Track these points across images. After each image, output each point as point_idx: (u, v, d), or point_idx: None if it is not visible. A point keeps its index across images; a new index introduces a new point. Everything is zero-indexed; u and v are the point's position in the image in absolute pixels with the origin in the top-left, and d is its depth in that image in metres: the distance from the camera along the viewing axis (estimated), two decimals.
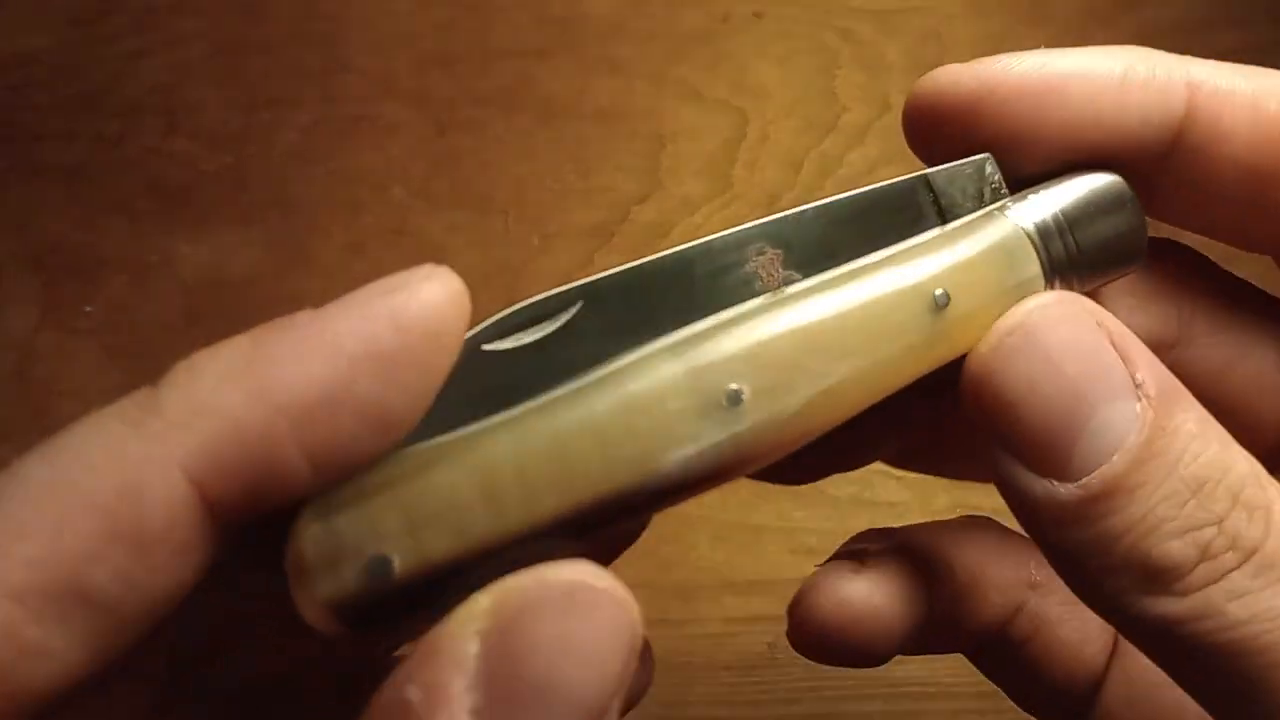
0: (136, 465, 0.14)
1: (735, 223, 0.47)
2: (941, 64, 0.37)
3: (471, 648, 0.14)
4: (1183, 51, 0.20)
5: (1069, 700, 0.24)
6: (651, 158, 0.45)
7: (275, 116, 0.46)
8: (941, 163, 0.20)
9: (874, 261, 0.18)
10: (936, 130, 0.20)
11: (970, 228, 0.19)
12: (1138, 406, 0.17)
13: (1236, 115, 0.19)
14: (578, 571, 0.14)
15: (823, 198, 0.19)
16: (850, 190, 0.19)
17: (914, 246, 0.19)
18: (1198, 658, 0.16)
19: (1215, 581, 0.16)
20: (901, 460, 0.25)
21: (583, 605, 0.14)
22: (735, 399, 0.16)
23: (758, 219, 0.19)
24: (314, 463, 0.15)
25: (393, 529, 0.15)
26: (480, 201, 0.44)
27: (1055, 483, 0.17)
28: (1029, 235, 0.19)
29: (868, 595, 0.22)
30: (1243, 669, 0.16)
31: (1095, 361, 0.17)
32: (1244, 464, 0.17)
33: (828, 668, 0.24)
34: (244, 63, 0.47)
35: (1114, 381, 0.17)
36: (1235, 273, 0.23)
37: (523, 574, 0.14)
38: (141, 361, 0.42)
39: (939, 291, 0.18)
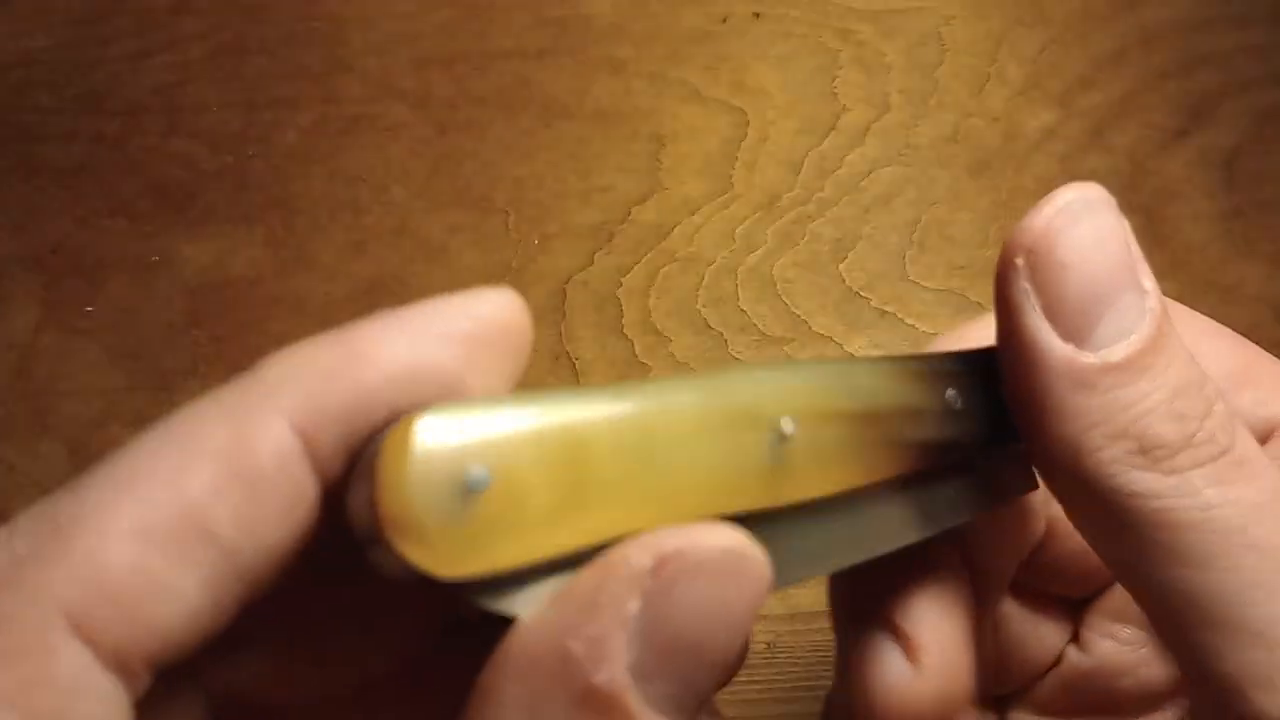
0: (245, 415, 0.15)
1: (735, 223, 0.47)
2: (941, 64, 0.37)
3: (634, 605, 0.15)
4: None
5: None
6: (651, 158, 0.45)
7: (275, 116, 0.46)
8: None
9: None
10: None
11: (971, 352, 0.22)
12: (1150, 302, 0.19)
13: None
14: (731, 538, 0.15)
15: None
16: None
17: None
18: (1166, 533, 0.18)
19: (1198, 466, 0.19)
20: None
21: (735, 571, 0.15)
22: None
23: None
24: None
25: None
26: (480, 201, 0.44)
27: (1076, 348, 0.19)
28: None
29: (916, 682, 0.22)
30: (1207, 545, 0.18)
31: (1126, 249, 0.19)
32: (1213, 384, 0.20)
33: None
34: (244, 63, 0.47)
35: (1136, 272, 0.19)
36: None
37: (676, 534, 0.15)
38: (142, 361, 0.42)
39: (951, 391, 0.20)
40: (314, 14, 0.48)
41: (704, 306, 0.43)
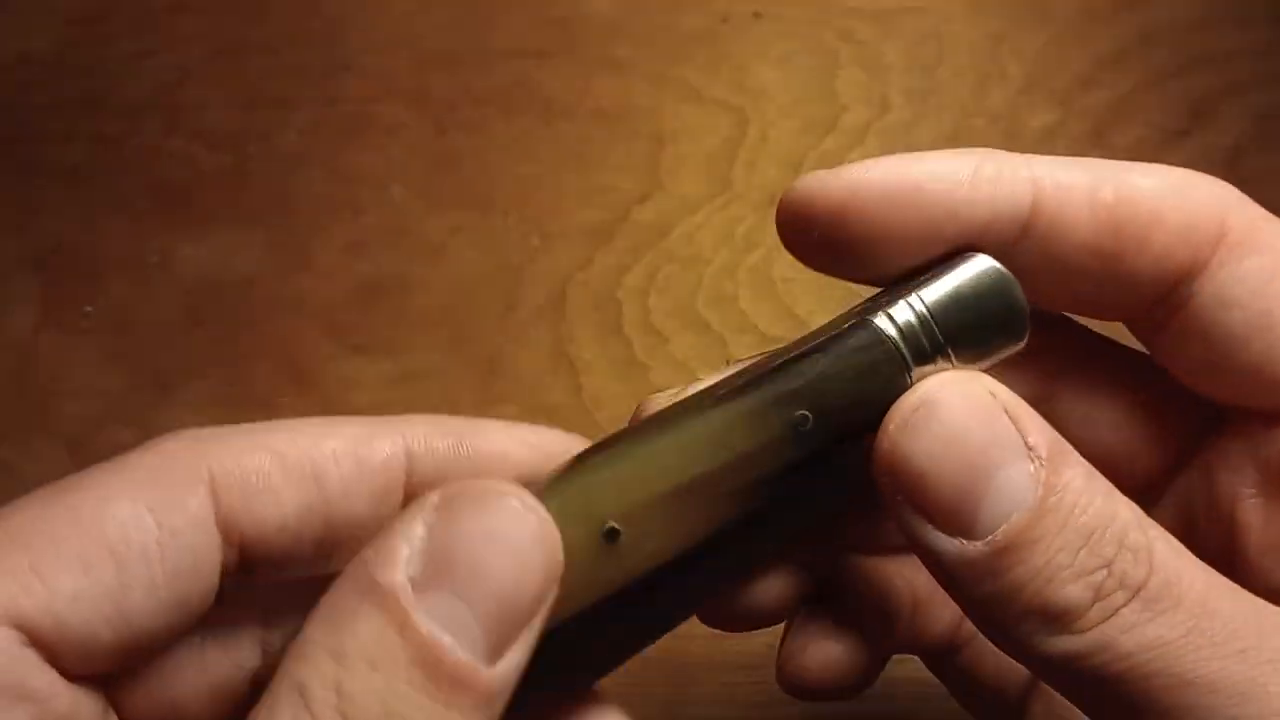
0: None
1: (735, 223, 0.46)
2: (941, 64, 0.37)
3: (419, 529, 0.18)
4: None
5: (1003, 706, 0.26)
6: (651, 158, 0.45)
7: (275, 116, 0.46)
8: (815, 258, 0.23)
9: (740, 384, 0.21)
10: (808, 231, 0.22)
11: (834, 340, 0.21)
12: (1031, 467, 0.19)
13: (1076, 205, 0.21)
14: (510, 488, 0.18)
15: None
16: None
17: (779, 366, 0.21)
18: (1099, 687, 0.19)
19: (1108, 619, 0.19)
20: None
21: (510, 512, 0.18)
22: None
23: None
24: None
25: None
26: (480, 201, 0.44)
27: (964, 541, 0.19)
28: (890, 339, 0.21)
29: (843, 653, 0.25)
30: (1137, 693, 0.18)
31: (992, 430, 0.19)
32: (1126, 511, 0.19)
33: None
34: (244, 63, 0.47)
35: (1009, 447, 0.19)
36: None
37: (464, 481, 0.18)
38: (141, 361, 0.42)
39: (800, 413, 0.20)
40: (314, 14, 0.48)
41: (704, 307, 0.42)
